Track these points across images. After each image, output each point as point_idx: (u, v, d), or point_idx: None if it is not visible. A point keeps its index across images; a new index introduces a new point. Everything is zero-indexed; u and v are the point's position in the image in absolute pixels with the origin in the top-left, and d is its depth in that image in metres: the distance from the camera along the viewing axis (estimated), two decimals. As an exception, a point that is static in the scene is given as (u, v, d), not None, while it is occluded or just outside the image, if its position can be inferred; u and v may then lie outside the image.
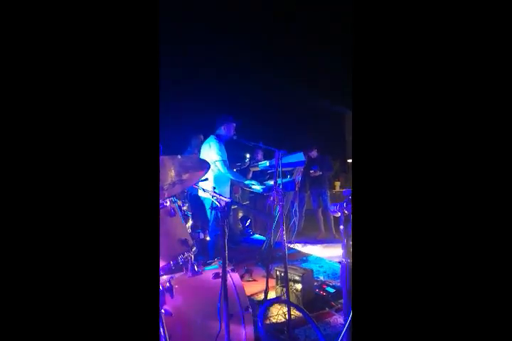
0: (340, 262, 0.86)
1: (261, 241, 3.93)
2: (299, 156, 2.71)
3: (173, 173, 1.25)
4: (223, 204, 1.33)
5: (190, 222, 1.64)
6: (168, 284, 1.10)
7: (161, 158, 1.16)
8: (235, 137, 3.20)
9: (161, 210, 1.30)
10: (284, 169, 3.28)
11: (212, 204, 3.09)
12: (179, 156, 1.25)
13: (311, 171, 4.17)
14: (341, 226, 0.86)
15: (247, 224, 4.53)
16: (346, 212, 0.84)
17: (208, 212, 3.08)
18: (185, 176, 1.36)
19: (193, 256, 1.44)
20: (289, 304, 1.79)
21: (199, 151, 3.32)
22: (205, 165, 1.39)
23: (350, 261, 0.85)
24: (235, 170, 3.88)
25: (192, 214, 1.73)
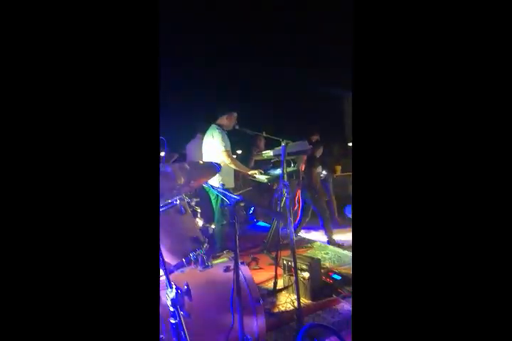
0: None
1: (265, 228, 3.97)
2: (304, 145, 2.69)
3: (181, 180, 1.24)
4: (232, 201, 1.33)
5: (199, 217, 1.65)
6: (185, 287, 1.11)
7: (169, 167, 1.15)
8: (237, 126, 3.16)
9: (171, 209, 1.30)
10: (287, 157, 3.27)
11: (218, 197, 3.08)
12: (187, 165, 1.23)
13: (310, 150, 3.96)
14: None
15: (251, 211, 4.56)
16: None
17: (213, 202, 3.09)
18: (193, 181, 1.35)
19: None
20: (324, 328, 1.81)
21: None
22: (213, 170, 1.38)
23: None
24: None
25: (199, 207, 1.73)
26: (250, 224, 4.44)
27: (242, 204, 1.34)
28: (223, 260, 1.81)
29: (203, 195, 3.23)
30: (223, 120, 3.11)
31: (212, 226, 1.54)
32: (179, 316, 1.00)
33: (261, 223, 4.28)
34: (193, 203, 1.63)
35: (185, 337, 0.98)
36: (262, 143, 4.39)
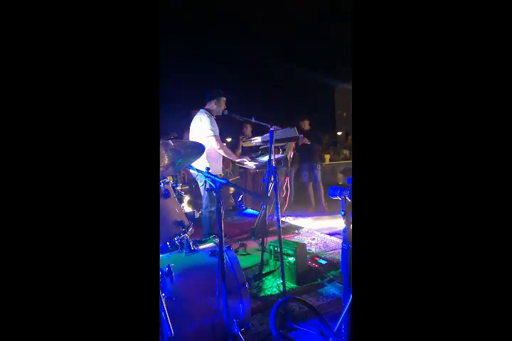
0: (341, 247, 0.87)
1: (253, 215, 3.99)
2: (292, 132, 2.67)
3: (166, 159, 1.21)
4: (218, 185, 1.31)
5: (185, 201, 1.63)
6: (167, 269, 1.10)
7: None
8: (226, 112, 3.10)
9: (154, 192, 1.27)
10: (276, 144, 3.24)
11: (206, 184, 3.05)
12: (171, 142, 1.20)
13: (299, 138, 3.96)
14: (342, 212, 0.85)
15: (240, 199, 4.57)
16: (349, 200, 0.83)
17: (201, 188, 3.06)
18: (178, 161, 1.32)
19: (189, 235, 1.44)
20: (298, 300, 1.84)
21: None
22: (199, 150, 1.35)
23: (350, 246, 0.86)
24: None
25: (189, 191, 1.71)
26: (239, 212, 4.45)
27: (231, 189, 1.34)
28: (209, 245, 1.81)
29: (191, 182, 3.21)
30: (212, 105, 3.04)
31: (199, 212, 1.53)
32: (160, 297, 1.00)
33: (249, 210, 4.30)
34: (178, 188, 1.60)
35: (166, 319, 0.98)
36: (248, 130, 4.34)
